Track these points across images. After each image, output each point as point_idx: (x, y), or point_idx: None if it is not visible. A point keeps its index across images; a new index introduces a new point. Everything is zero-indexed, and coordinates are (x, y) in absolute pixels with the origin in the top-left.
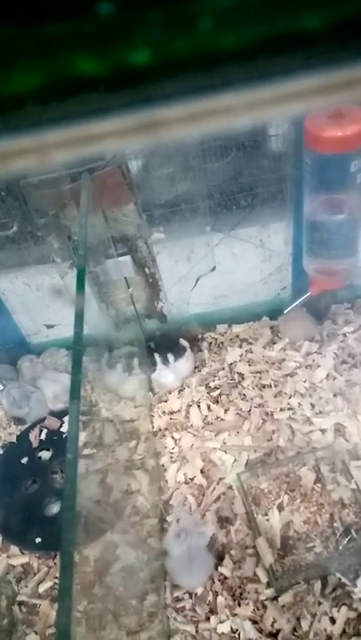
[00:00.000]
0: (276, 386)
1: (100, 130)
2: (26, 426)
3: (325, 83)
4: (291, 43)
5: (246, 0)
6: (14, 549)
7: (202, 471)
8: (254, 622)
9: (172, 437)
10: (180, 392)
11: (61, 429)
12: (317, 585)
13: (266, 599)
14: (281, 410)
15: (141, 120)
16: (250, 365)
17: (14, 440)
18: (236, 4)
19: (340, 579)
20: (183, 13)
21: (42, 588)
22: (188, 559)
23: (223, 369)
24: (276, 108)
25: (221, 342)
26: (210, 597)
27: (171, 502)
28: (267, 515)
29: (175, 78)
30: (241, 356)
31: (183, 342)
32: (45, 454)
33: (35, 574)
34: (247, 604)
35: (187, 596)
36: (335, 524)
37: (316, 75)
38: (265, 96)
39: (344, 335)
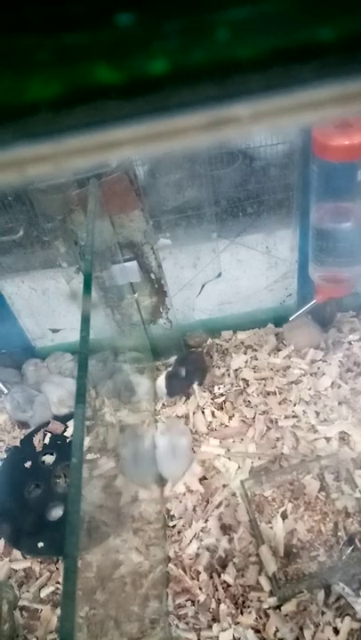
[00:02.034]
0: (280, 393)
1: (116, 137)
2: (30, 430)
3: (339, 93)
4: (305, 54)
5: (262, 12)
6: (16, 553)
7: (205, 478)
8: (257, 631)
9: None
10: (184, 398)
11: (65, 434)
12: (321, 594)
13: (269, 608)
14: (286, 417)
15: (157, 128)
16: (255, 372)
17: (18, 444)
18: (252, 16)
19: (343, 588)
20: (200, 24)
21: (43, 593)
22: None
23: (228, 375)
24: (290, 118)
25: (226, 349)
26: (212, 605)
27: (173, 509)
28: (270, 523)
29: (191, 87)
30: (246, 362)
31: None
32: (49, 458)
33: (37, 579)
34: (250, 612)
35: (189, 603)
36: (339, 533)
37: (329, 85)
38: (279, 106)
39: (349, 343)
